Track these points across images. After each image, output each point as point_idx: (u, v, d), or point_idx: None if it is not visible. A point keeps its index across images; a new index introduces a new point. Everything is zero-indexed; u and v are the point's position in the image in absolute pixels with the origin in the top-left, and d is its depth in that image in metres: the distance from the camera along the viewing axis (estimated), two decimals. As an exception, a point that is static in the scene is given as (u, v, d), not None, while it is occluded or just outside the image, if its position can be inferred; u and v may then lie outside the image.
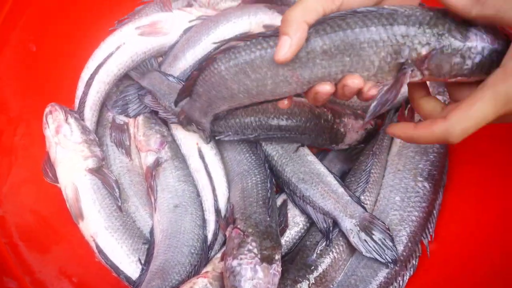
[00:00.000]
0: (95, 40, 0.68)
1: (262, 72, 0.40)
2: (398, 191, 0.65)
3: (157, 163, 0.63)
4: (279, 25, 0.37)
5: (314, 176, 0.64)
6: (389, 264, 0.58)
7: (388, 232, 0.59)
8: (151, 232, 0.62)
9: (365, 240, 0.58)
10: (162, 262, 0.56)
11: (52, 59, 0.66)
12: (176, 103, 0.54)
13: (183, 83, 0.64)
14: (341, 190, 0.63)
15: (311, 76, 0.39)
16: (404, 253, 0.60)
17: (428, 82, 0.44)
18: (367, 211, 0.61)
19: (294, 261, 0.61)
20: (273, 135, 0.64)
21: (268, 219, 0.58)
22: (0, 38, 0.61)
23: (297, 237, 0.64)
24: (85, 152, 0.60)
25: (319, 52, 0.38)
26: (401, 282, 0.60)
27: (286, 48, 0.36)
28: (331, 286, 0.60)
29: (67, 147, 0.59)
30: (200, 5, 0.73)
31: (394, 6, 0.37)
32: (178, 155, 0.65)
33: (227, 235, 0.58)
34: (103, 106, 0.68)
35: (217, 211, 0.62)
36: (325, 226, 0.62)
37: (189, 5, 0.74)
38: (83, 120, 0.65)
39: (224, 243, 0.62)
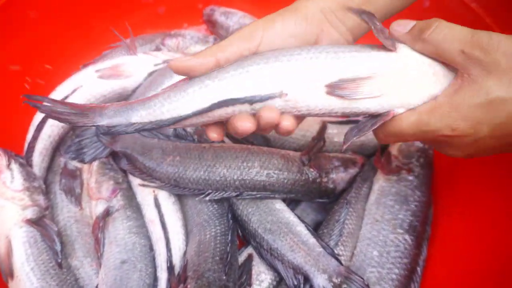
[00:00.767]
0: (57, 83, 0.66)
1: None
2: (376, 244, 0.59)
3: (107, 213, 0.58)
4: None
5: (282, 225, 0.58)
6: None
7: None
8: None
9: None
10: None
11: (5, 101, 0.64)
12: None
13: (159, 137, 0.61)
14: (312, 240, 0.56)
15: None
16: (383, 319, 0.53)
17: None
18: (342, 265, 0.54)
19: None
20: (257, 195, 0.60)
21: (224, 277, 0.52)
22: None
23: (261, 297, 0.56)
24: (25, 201, 0.55)
25: None
26: None
27: (181, 61, 0.38)
28: None
29: (4, 195, 0.55)
30: (169, 49, 0.73)
31: None
32: (132, 203, 0.61)
33: None
34: (56, 150, 0.64)
35: (170, 267, 0.55)
36: (295, 283, 0.55)
37: (158, 49, 0.73)
38: (31, 166, 0.61)
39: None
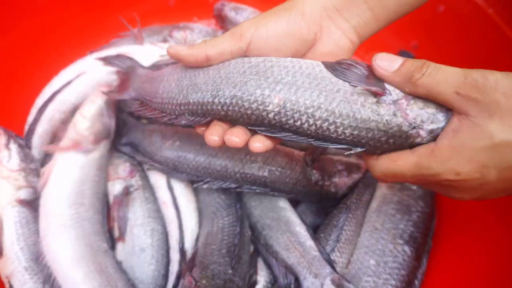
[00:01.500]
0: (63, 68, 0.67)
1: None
2: (373, 253, 0.56)
3: (127, 191, 0.59)
4: None
5: (281, 223, 0.57)
6: None
7: None
8: None
9: None
10: None
11: (10, 82, 0.64)
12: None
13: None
14: (309, 243, 0.55)
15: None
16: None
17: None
18: (336, 272, 0.52)
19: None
20: (257, 190, 0.59)
21: (230, 272, 0.51)
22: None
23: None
24: (20, 181, 0.55)
25: None
26: None
27: (177, 49, 0.40)
28: None
29: (0, 173, 0.55)
30: (176, 41, 0.73)
31: None
32: (149, 185, 0.62)
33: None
34: (55, 135, 0.64)
35: (182, 249, 0.56)
36: (285, 282, 0.53)
37: (165, 41, 0.73)
38: (30, 148, 0.61)
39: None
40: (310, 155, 0.60)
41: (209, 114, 0.40)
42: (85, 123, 0.57)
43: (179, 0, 0.75)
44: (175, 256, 0.56)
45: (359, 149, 0.36)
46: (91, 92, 0.61)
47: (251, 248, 0.59)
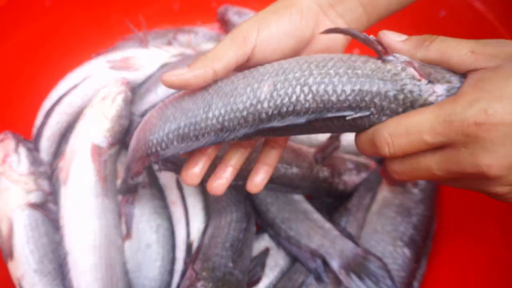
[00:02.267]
0: (69, 71, 0.67)
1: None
2: (374, 255, 0.58)
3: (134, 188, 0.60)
4: None
5: (299, 214, 0.59)
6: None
7: (386, 269, 0.52)
8: None
9: (359, 280, 0.51)
10: None
11: (15, 86, 0.65)
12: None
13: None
14: (328, 225, 0.57)
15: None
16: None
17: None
18: (359, 246, 0.54)
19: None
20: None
21: (231, 265, 0.52)
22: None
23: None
24: (30, 185, 0.56)
25: None
26: None
27: (175, 75, 0.35)
28: None
29: (9, 177, 0.56)
30: (181, 44, 0.73)
31: None
32: (155, 183, 0.63)
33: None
34: (63, 137, 0.65)
35: (188, 248, 0.57)
36: (313, 266, 0.55)
37: (170, 44, 0.74)
38: (38, 151, 0.62)
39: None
40: (320, 153, 0.61)
41: (202, 133, 0.36)
42: (107, 124, 0.58)
43: (183, 4, 0.75)
44: (180, 255, 0.58)
45: (361, 113, 0.31)
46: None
47: (260, 246, 0.60)
